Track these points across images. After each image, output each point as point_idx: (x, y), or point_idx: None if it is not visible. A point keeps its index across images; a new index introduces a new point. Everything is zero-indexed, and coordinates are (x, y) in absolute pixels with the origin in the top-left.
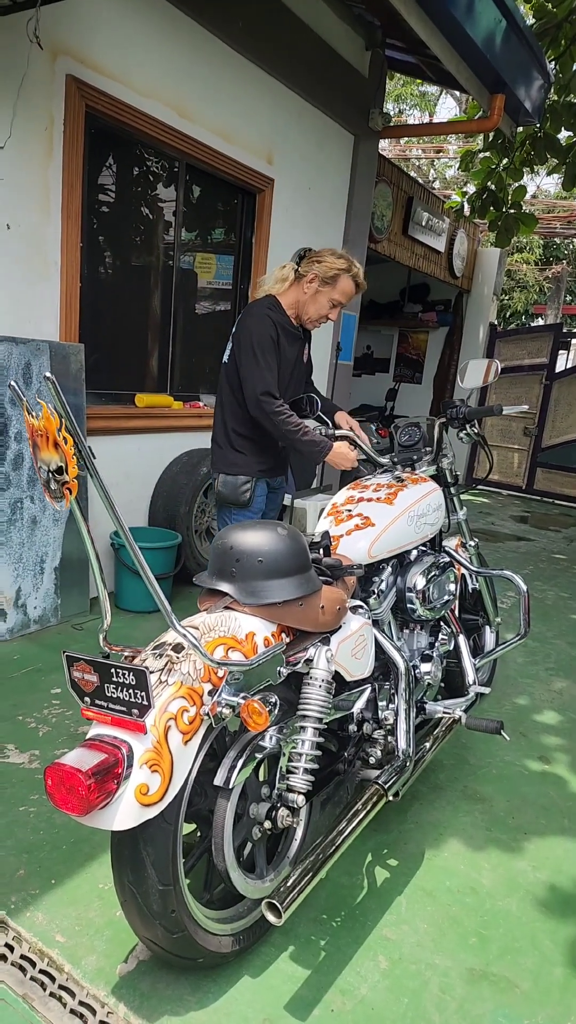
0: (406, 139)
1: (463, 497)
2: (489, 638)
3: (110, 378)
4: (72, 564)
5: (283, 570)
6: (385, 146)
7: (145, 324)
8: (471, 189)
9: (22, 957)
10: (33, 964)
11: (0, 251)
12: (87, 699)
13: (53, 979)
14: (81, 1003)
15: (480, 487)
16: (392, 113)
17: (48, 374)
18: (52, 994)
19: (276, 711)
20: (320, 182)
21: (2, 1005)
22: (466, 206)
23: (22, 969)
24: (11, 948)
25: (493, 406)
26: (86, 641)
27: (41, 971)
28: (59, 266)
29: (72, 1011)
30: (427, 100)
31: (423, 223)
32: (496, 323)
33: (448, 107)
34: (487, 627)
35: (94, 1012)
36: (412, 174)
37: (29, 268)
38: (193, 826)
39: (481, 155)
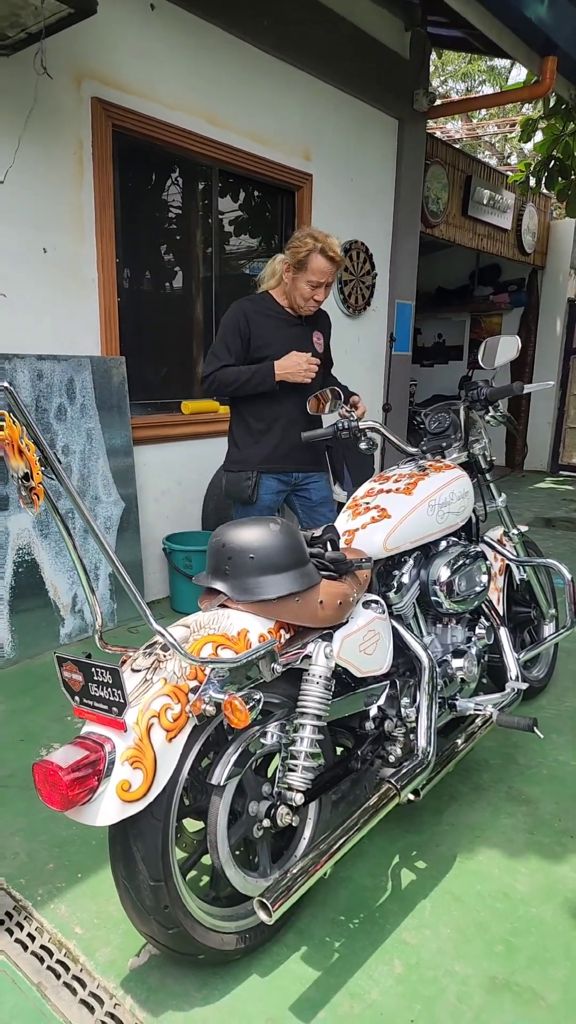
0: (478, 117)
1: (551, 484)
2: (547, 631)
3: (156, 388)
4: (126, 569)
5: (276, 566)
6: (458, 127)
7: (188, 332)
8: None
9: (41, 947)
10: (51, 954)
11: (39, 273)
12: (77, 698)
13: (67, 969)
14: (91, 994)
15: (566, 473)
16: (461, 92)
17: (6, 384)
18: (65, 984)
19: (259, 707)
20: (363, 172)
21: (16, 992)
22: (531, 178)
23: (40, 959)
24: (32, 938)
25: (513, 384)
26: (140, 643)
27: (58, 961)
28: (96, 283)
29: (82, 1001)
30: (497, 74)
31: (484, 201)
32: None
33: (522, 77)
34: (542, 620)
35: (102, 1003)
36: (485, 153)
37: (67, 288)
38: (201, 824)
39: (544, 123)
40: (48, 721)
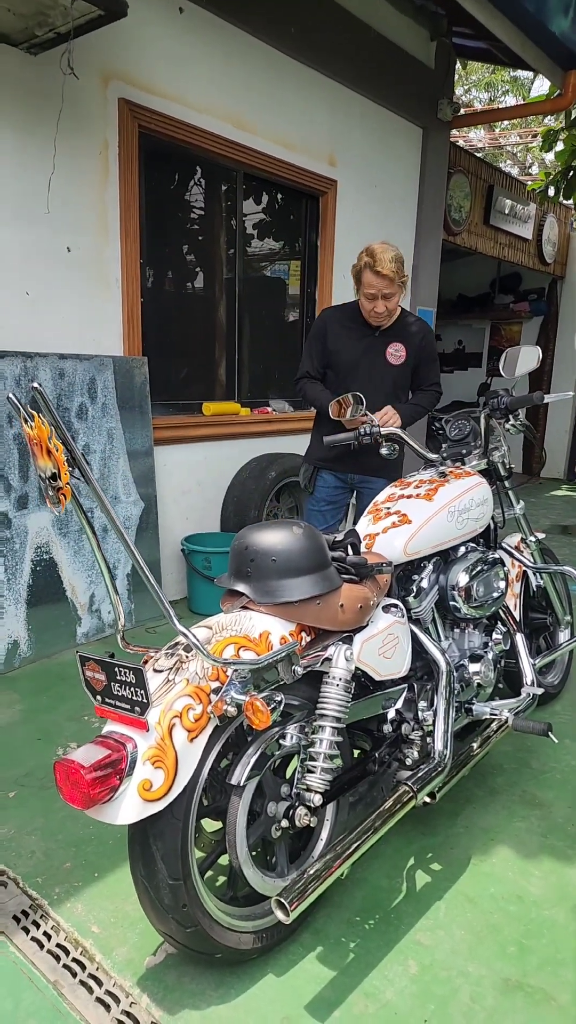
0: (500, 127)
1: (567, 492)
2: (562, 637)
3: (177, 389)
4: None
5: (298, 569)
6: (481, 136)
7: (211, 334)
8: None
9: (57, 945)
10: (67, 952)
11: (62, 273)
12: (99, 697)
13: (84, 968)
14: (107, 992)
15: None
16: (484, 101)
17: (36, 384)
18: (81, 982)
19: (280, 709)
20: (387, 179)
21: (33, 990)
22: (550, 188)
23: (56, 957)
24: (48, 936)
25: (533, 395)
26: (159, 644)
27: (74, 959)
28: (120, 283)
29: (98, 999)
30: (520, 84)
31: (506, 211)
32: None
33: (545, 89)
34: (558, 626)
35: (118, 1001)
36: (507, 162)
37: (90, 287)
38: (219, 824)
39: (564, 133)
40: (65, 720)
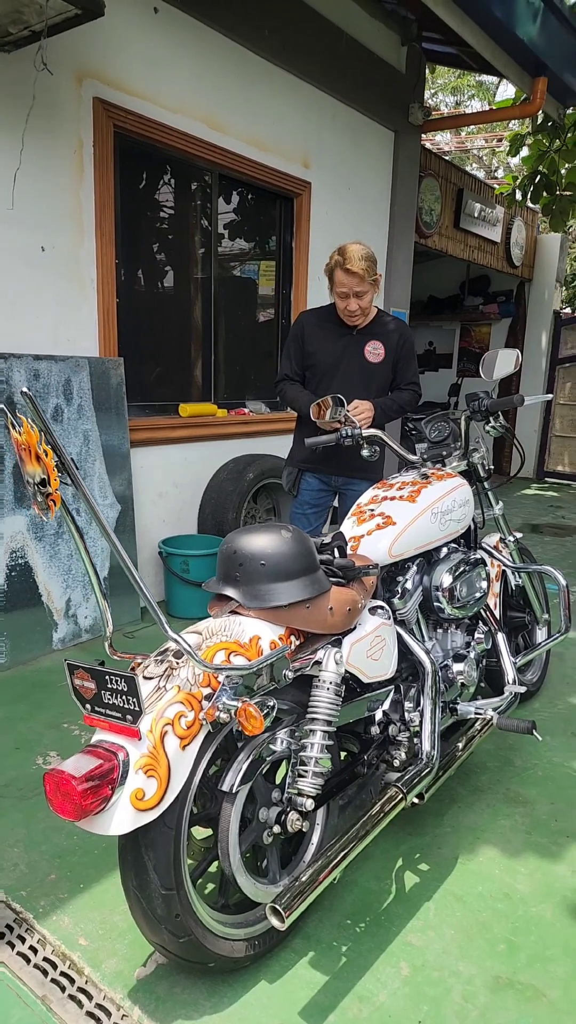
0: (466, 131)
1: (537, 491)
2: (540, 635)
3: (153, 390)
4: (122, 573)
5: (287, 572)
6: (447, 139)
7: (187, 335)
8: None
9: (45, 959)
10: (55, 966)
11: (37, 272)
12: (88, 706)
13: (73, 981)
14: (98, 1005)
15: (551, 480)
16: (450, 105)
17: (24, 389)
18: (71, 996)
19: (273, 714)
20: (360, 182)
21: (21, 1006)
22: (517, 192)
23: (44, 971)
24: (35, 951)
25: (514, 396)
26: (137, 649)
27: (62, 973)
28: (95, 284)
29: (88, 1013)
30: (485, 89)
31: (475, 214)
32: (564, 310)
33: (509, 93)
34: (535, 624)
35: (109, 1015)
36: (473, 166)
37: (66, 287)
38: (210, 831)
39: (531, 138)
40: (44, 728)
